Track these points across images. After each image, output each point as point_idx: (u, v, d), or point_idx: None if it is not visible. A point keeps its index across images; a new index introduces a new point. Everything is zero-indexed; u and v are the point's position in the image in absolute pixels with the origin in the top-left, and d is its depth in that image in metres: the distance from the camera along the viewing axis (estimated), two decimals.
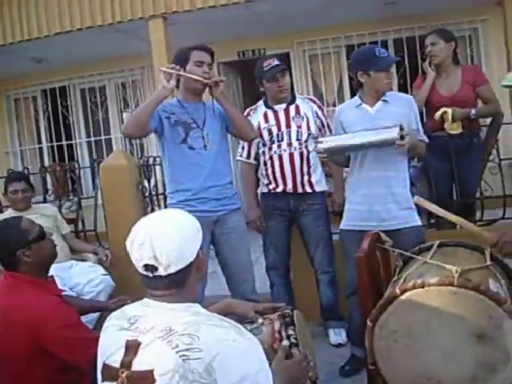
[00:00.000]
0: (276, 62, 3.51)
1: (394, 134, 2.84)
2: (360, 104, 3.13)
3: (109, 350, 1.56)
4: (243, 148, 3.72)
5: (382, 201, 3.04)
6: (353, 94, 7.07)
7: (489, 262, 2.21)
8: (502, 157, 4.15)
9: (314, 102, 3.71)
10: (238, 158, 3.78)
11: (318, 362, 2.02)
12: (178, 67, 3.06)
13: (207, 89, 3.16)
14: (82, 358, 2.16)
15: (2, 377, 2.25)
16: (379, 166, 3.03)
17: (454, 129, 3.80)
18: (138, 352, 1.48)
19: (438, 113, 3.81)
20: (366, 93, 3.11)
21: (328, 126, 3.63)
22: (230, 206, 3.26)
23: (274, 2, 5.27)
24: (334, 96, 7.18)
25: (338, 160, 3.32)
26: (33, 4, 5.60)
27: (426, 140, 3.17)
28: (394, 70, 6.20)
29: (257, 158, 3.71)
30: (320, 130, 3.61)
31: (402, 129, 2.84)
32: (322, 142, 3.05)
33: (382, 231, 2.74)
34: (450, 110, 3.77)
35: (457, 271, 1.95)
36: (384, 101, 3.07)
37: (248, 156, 3.72)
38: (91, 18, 5.48)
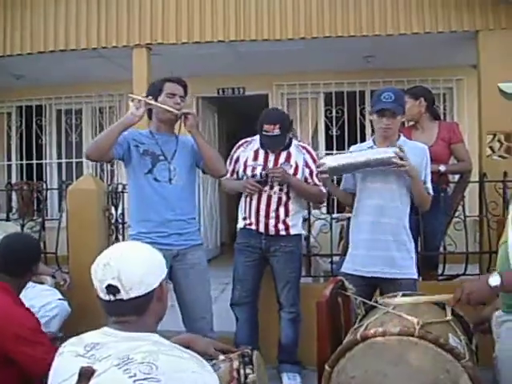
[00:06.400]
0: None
1: (390, 153, 2.88)
2: (371, 146, 3.13)
3: (62, 375, 1.51)
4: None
5: (385, 247, 3.00)
6: (327, 140, 7.26)
7: (449, 317, 2.22)
8: (467, 214, 4.24)
9: (308, 151, 3.69)
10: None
11: None
12: (149, 97, 3.08)
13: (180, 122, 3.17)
14: (39, 367, 2.25)
15: None
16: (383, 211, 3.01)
17: None
18: (92, 380, 1.43)
19: None
20: (377, 137, 3.12)
21: (316, 175, 3.61)
22: (191, 242, 3.23)
23: (257, 43, 5.36)
24: (308, 141, 7.27)
25: (346, 200, 3.30)
26: (18, 20, 5.57)
27: (431, 192, 3.11)
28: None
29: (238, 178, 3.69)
30: (306, 179, 3.62)
31: (402, 150, 2.87)
32: (325, 163, 3.02)
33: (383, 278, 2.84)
34: None
35: (418, 323, 1.96)
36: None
37: (231, 174, 3.70)
38: (76, 41, 5.47)
